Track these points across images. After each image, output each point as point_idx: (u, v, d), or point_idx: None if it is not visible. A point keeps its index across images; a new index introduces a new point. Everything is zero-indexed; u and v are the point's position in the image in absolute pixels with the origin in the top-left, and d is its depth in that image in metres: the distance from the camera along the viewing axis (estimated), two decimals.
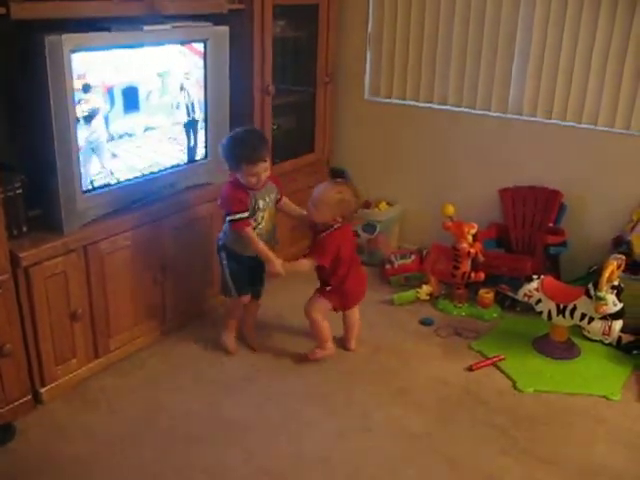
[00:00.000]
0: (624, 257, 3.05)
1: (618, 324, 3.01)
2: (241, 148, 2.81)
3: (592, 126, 3.54)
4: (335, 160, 4.30)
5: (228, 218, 2.87)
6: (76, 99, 2.55)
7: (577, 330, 3.17)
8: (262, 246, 2.87)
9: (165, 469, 2.38)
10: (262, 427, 2.61)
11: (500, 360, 3.08)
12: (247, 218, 2.84)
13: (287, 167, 3.80)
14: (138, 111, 2.88)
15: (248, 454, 2.46)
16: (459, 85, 3.86)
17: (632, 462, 2.48)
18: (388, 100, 4.11)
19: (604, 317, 2.99)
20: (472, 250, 3.46)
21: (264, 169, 2.83)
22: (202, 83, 3.14)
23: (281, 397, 2.80)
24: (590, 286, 2.98)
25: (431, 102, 3.97)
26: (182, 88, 3.06)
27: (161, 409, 2.70)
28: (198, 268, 3.30)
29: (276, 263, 2.85)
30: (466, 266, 3.49)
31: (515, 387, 2.91)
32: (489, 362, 3.07)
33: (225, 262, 2.97)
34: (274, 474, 2.37)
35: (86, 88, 2.59)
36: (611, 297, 2.95)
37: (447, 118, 3.92)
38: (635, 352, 3.12)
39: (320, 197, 2.90)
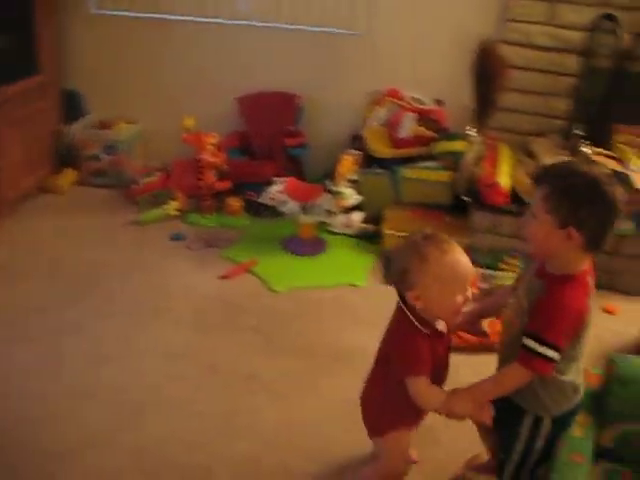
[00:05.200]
0: (359, 152, 3.21)
1: (358, 216, 3.18)
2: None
3: (319, 28, 3.61)
4: (67, 81, 4.01)
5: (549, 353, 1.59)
6: None
7: (322, 226, 3.31)
8: None
9: None
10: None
11: (253, 265, 3.13)
12: None
13: (8, 92, 3.43)
14: None
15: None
16: None
17: (372, 339, 2.65)
18: (117, 13, 3.87)
19: (345, 210, 3.14)
20: (213, 160, 3.43)
21: None
22: None
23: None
24: (328, 182, 3.10)
25: (162, 13, 3.79)
26: None
27: None
28: None
29: None
30: (210, 177, 3.46)
31: (269, 288, 2.99)
32: (242, 268, 3.11)
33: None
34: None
35: None
36: (349, 191, 3.10)
37: (178, 29, 3.80)
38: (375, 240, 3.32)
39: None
